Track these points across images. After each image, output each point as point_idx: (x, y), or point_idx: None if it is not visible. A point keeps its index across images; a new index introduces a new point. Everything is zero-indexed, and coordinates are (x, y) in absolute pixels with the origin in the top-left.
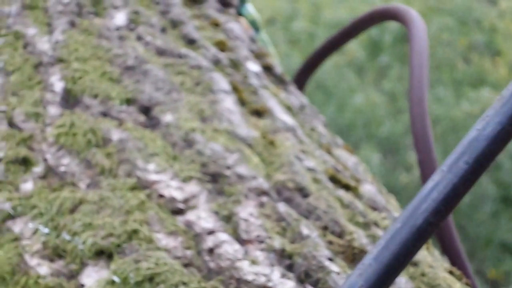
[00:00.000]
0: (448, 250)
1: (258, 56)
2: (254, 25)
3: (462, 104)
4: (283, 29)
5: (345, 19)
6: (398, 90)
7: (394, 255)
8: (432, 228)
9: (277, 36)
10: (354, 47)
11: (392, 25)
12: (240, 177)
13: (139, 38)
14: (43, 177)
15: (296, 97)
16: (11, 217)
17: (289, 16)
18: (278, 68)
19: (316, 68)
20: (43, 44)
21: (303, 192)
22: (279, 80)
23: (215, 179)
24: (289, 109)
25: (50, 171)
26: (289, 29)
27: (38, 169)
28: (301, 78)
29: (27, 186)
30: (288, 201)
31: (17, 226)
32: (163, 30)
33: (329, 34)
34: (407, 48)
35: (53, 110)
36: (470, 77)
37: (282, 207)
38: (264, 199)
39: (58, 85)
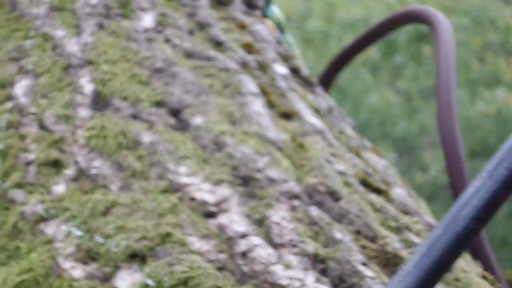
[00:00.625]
0: (478, 255)
1: (285, 58)
2: (279, 26)
3: (477, 104)
4: (297, 28)
5: (360, 19)
6: (413, 89)
7: (435, 262)
8: (472, 235)
9: (292, 35)
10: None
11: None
12: (271, 181)
13: (167, 40)
14: (75, 179)
15: (324, 100)
16: (43, 219)
17: (303, 15)
18: (305, 70)
19: (340, 70)
20: (72, 46)
21: (335, 196)
22: (306, 82)
23: (246, 182)
24: (317, 111)
25: (81, 174)
26: (304, 28)
27: (70, 171)
28: (326, 80)
29: (59, 188)
30: (320, 205)
31: (50, 229)
32: (191, 32)
33: (343, 34)
34: (422, 47)
35: (83, 112)
36: (485, 77)
37: (314, 211)
38: (296, 202)
39: (88, 87)
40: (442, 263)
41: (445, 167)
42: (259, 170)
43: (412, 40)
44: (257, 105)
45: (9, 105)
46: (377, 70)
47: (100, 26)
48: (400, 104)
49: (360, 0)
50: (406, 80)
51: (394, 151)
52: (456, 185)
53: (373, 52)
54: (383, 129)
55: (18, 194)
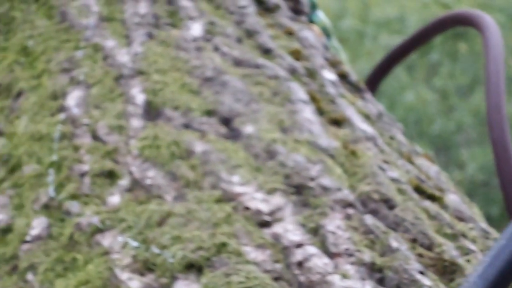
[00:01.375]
0: None
1: (333, 64)
2: (325, 31)
3: None
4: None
5: (395, 17)
6: (449, 87)
7: (500, 273)
8: None
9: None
10: None
11: None
12: (325, 189)
13: (216, 48)
14: (130, 190)
15: (373, 105)
16: (100, 230)
17: (338, 14)
18: (353, 76)
19: (387, 74)
20: (123, 56)
21: (389, 204)
22: (355, 88)
23: (299, 191)
24: (367, 117)
25: (136, 184)
26: (338, 27)
27: (124, 182)
28: (372, 84)
29: (114, 199)
30: (375, 213)
31: (106, 240)
32: (239, 40)
33: (378, 33)
34: (458, 45)
35: (136, 122)
36: None
37: (369, 220)
38: (350, 211)
39: (140, 97)
40: (508, 274)
41: (495, 170)
42: (312, 179)
43: (448, 38)
44: (307, 112)
45: (62, 116)
46: (413, 68)
47: (150, 36)
48: (436, 102)
49: None
50: (442, 77)
51: (430, 149)
52: (507, 190)
53: None
54: (420, 127)
55: (73, 206)
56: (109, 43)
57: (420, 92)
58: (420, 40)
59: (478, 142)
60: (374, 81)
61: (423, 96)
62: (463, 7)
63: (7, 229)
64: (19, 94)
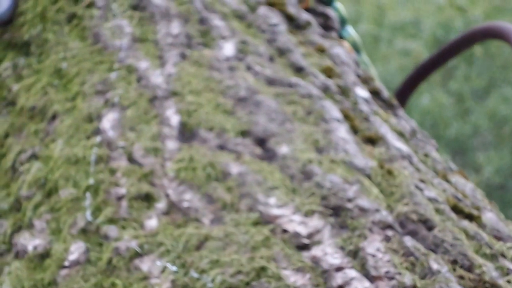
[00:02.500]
0: None
1: (365, 80)
2: (355, 46)
3: None
4: None
5: (410, 21)
6: (465, 90)
7: None
8: None
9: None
10: (419, 49)
11: (457, 25)
12: (363, 210)
13: (249, 68)
14: (167, 213)
15: (406, 122)
16: (138, 255)
17: (353, 19)
18: (385, 92)
19: (416, 87)
20: (157, 78)
21: (428, 224)
22: (388, 105)
23: (337, 212)
24: (401, 135)
25: (173, 207)
26: None
27: (161, 205)
28: (401, 97)
29: (152, 222)
30: (413, 234)
31: (145, 265)
32: (271, 59)
33: (394, 37)
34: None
35: (171, 144)
36: None
37: (409, 241)
38: (390, 232)
39: (174, 118)
40: None
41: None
42: (349, 200)
43: None
44: (342, 131)
45: (97, 139)
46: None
47: (183, 56)
48: (452, 105)
49: (409, 2)
50: (458, 81)
51: (447, 153)
52: None
53: (423, 54)
54: (436, 131)
55: (111, 230)
56: (143, 64)
57: (436, 95)
58: (449, 53)
59: (494, 145)
60: (404, 94)
61: (439, 99)
62: (478, 10)
63: (45, 254)
64: (53, 117)
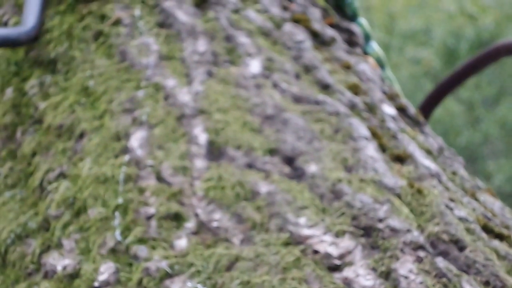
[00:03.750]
0: None
1: (391, 97)
2: (379, 62)
3: None
4: None
5: (420, 29)
6: (475, 98)
7: None
8: None
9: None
10: (430, 57)
11: (468, 33)
12: (394, 230)
13: (275, 85)
14: (196, 232)
15: (434, 139)
16: (168, 276)
17: None
18: (412, 109)
19: (439, 102)
20: (184, 96)
21: (459, 245)
22: (414, 122)
23: (368, 232)
24: (429, 153)
25: (202, 227)
26: None
27: (190, 224)
28: (424, 113)
29: (181, 242)
30: (445, 254)
31: (175, 285)
32: (297, 76)
33: (404, 45)
34: None
35: (200, 163)
36: None
37: (440, 262)
38: (421, 253)
39: (202, 137)
40: None
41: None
42: (380, 220)
43: (474, 48)
44: (370, 150)
45: (126, 158)
46: (439, 80)
47: (209, 74)
48: (462, 113)
49: (420, 10)
50: (469, 89)
51: None
52: None
53: (434, 62)
54: (446, 139)
55: (141, 250)
56: (170, 82)
57: (447, 104)
58: (473, 69)
59: (505, 153)
60: (427, 109)
61: (449, 108)
62: (489, 18)
63: (74, 275)
64: (81, 135)
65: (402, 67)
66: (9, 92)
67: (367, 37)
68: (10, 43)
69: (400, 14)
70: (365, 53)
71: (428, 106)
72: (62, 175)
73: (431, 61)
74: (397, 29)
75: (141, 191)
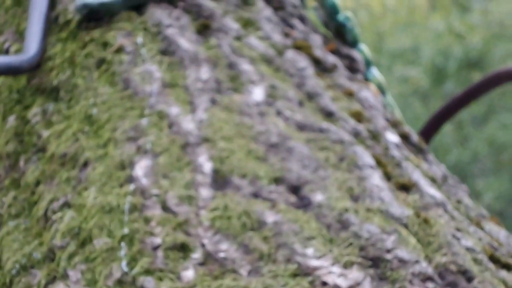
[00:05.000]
0: None
1: (394, 124)
2: (380, 88)
3: None
4: None
5: (409, 48)
6: (464, 117)
7: None
8: None
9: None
10: (419, 75)
11: (456, 51)
12: (402, 261)
13: (279, 113)
14: (203, 263)
15: (437, 167)
16: None
17: None
18: (414, 136)
19: (439, 128)
20: (188, 124)
21: (467, 276)
22: (418, 149)
23: (376, 263)
24: (433, 181)
25: (209, 257)
26: None
27: (197, 255)
28: (426, 137)
29: (189, 274)
30: (453, 285)
31: None
32: (301, 103)
33: (393, 63)
34: (472, 74)
35: (205, 192)
36: None
37: None
38: (430, 285)
39: (207, 165)
40: None
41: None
42: (388, 250)
43: (462, 67)
44: (376, 178)
45: (131, 187)
46: (427, 98)
47: (213, 102)
48: (451, 132)
49: (408, 29)
50: None
51: None
52: None
53: (422, 80)
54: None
55: (148, 282)
56: (174, 110)
57: None
58: (473, 94)
59: (494, 171)
60: (427, 135)
61: None
62: (477, 37)
63: None
64: (85, 164)
65: (391, 86)
66: (11, 120)
67: (368, 63)
68: (12, 71)
69: (389, 33)
70: (366, 79)
71: (428, 132)
72: (66, 205)
73: (419, 80)
74: (386, 48)
75: (147, 221)
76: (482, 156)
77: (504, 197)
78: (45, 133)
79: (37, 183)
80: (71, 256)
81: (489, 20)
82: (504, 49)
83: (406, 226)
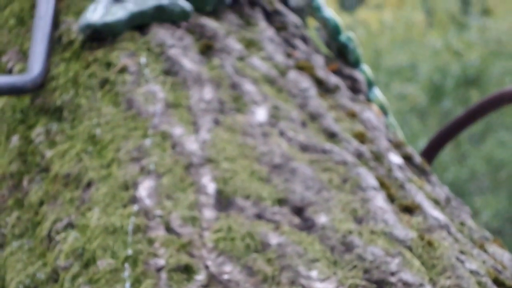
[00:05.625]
0: None
1: (397, 145)
2: (382, 109)
3: None
4: None
5: (406, 65)
6: (462, 135)
7: None
8: None
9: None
10: (416, 92)
11: (454, 69)
12: (407, 284)
13: (282, 133)
14: (207, 285)
15: (441, 189)
16: None
17: None
18: (417, 157)
19: (440, 149)
20: (191, 144)
21: None
22: (421, 171)
23: (381, 286)
24: (437, 203)
25: (213, 279)
26: None
27: (201, 277)
28: (427, 158)
29: None
30: None
31: None
32: (304, 124)
33: (390, 80)
34: (470, 92)
35: (208, 213)
36: None
37: None
38: None
39: (211, 186)
40: None
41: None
42: (392, 273)
43: (460, 85)
44: (379, 200)
45: (134, 208)
46: (425, 116)
47: (216, 122)
48: (449, 149)
49: (406, 46)
50: None
51: None
52: None
53: (420, 97)
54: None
55: None
56: (177, 130)
57: None
58: (476, 115)
59: (491, 189)
60: (429, 156)
61: None
62: (474, 54)
63: None
64: (89, 185)
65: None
66: (15, 140)
67: (370, 84)
68: (16, 91)
69: (386, 50)
70: (368, 99)
71: (429, 153)
72: (70, 225)
73: (417, 97)
74: (383, 65)
75: (151, 242)
76: (480, 174)
77: (502, 214)
78: (49, 153)
79: (41, 203)
80: (74, 277)
81: (487, 38)
82: (501, 67)
83: (410, 248)
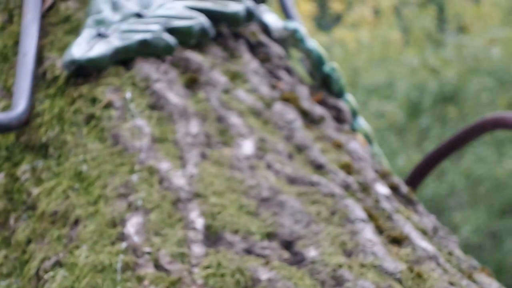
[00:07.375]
0: None
1: (383, 176)
2: (367, 138)
3: (504, 162)
4: None
5: (383, 83)
6: None
7: None
8: None
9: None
10: (394, 110)
11: (431, 86)
12: None
13: (269, 166)
14: None
15: (428, 218)
16: None
17: None
18: (404, 187)
19: (424, 177)
20: (179, 179)
21: None
22: (407, 200)
23: None
24: (424, 233)
25: None
26: None
27: None
28: (412, 185)
29: None
30: None
31: None
32: (290, 156)
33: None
34: (447, 109)
35: (197, 249)
36: None
37: None
38: None
39: (199, 221)
40: None
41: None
42: None
43: (437, 102)
44: (368, 232)
45: (123, 245)
46: (403, 133)
47: (203, 156)
48: None
49: (383, 64)
50: (433, 141)
51: None
52: None
53: (398, 115)
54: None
55: None
56: (164, 165)
57: (412, 156)
58: (458, 143)
59: (471, 204)
60: (412, 184)
61: (414, 160)
62: (451, 71)
63: None
64: (76, 222)
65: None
66: (0, 177)
67: (354, 113)
68: (1, 128)
69: (364, 68)
70: (353, 129)
71: (413, 181)
72: (58, 264)
73: (395, 114)
74: (361, 84)
75: (140, 279)
76: (459, 189)
77: (482, 230)
78: (35, 191)
79: (28, 241)
80: None
81: (463, 55)
82: (478, 83)
83: (400, 281)
